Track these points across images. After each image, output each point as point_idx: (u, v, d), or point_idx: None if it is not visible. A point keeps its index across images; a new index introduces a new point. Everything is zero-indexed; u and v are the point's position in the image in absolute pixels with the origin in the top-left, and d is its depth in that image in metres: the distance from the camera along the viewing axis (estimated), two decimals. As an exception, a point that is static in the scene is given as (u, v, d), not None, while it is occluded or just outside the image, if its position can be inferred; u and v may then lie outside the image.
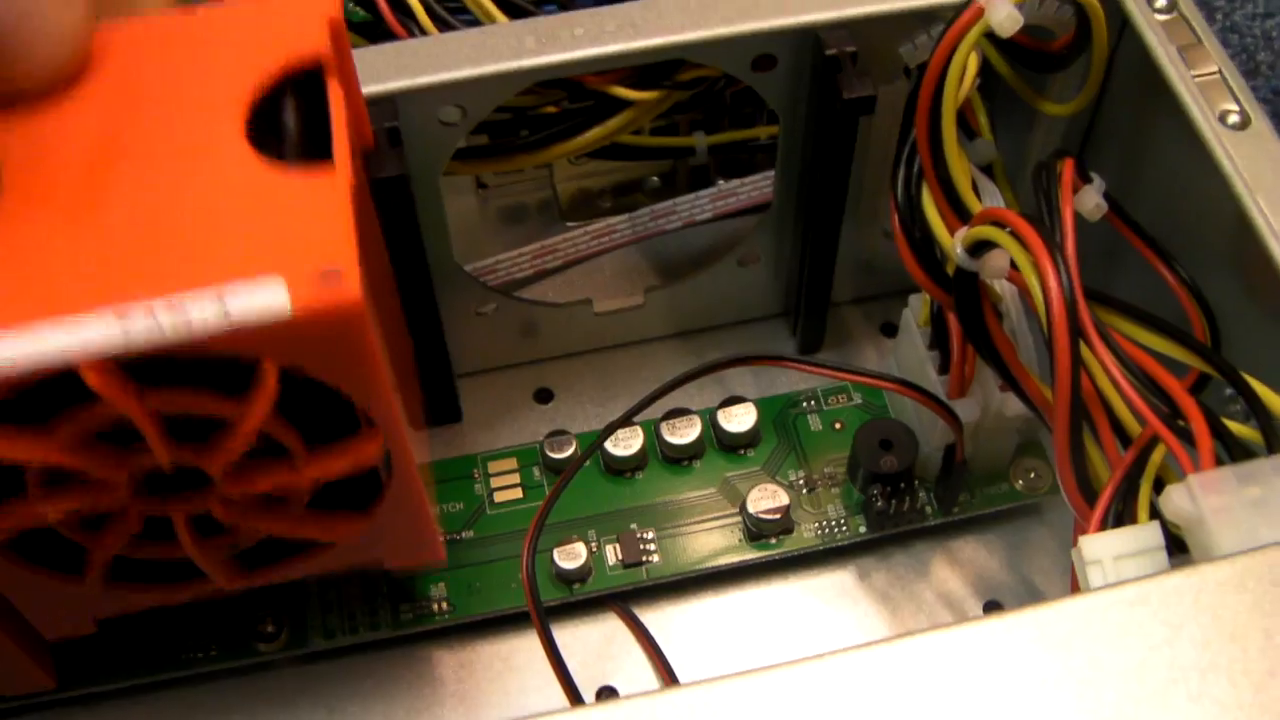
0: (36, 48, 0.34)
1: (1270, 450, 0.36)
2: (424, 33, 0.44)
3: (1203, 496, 0.33)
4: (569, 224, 0.55)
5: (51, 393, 0.31)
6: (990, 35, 0.40)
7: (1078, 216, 0.40)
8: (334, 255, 0.31)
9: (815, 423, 0.50)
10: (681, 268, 0.53)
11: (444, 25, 0.44)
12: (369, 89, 0.40)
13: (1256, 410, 0.37)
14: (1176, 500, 0.34)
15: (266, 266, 0.31)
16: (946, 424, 0.45)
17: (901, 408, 0.49)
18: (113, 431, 0.33)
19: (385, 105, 0.40)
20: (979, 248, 0.39)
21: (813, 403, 0.51)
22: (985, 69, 0.43)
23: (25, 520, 0.35)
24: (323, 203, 0.32)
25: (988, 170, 0.45)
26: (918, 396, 0.45)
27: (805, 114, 0.45)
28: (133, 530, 0.37)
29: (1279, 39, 0.67)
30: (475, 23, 0.45)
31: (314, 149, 0.34)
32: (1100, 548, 0.35)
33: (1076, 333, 0.36)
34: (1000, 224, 0.38)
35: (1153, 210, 0.43)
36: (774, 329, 0.54)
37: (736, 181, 0.53)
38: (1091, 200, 0.42)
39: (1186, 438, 0.35)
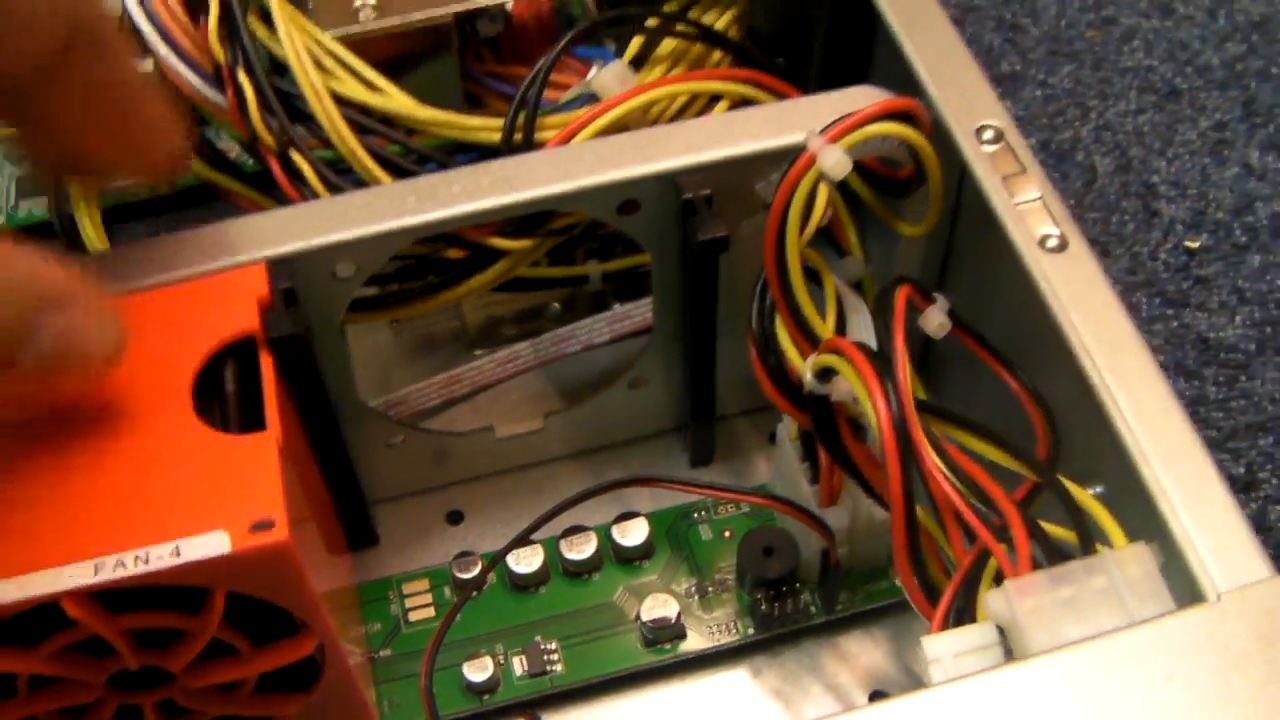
0: (72, 367, 0.38)
1: (1084, 551, 0.39)
2: (315, 194, 0.48)
3: (1017, 600, 0.37)
4: (477, 351, 0.59)
5: (39, 618, 0.37)
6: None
7: (910, 335, 0.44)
8: (267, 507, 0.37)
9: (706, 532, 0.53)
10: (582, 390, 0.56)
11: (333, 187, 0.47)
12: (266, 252, 0.44)
13: (1071, 513, 0.40)
14: (993, 604, 0.37)
15: (212, 518, 0.37)
16: (818, 533, 0.48)
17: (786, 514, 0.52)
18: (90, 642, 0.38)
19: (282, 267, 0.44)
20: (827, 373, 0.43)
21: (704, 513, 0.54)
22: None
23: (18, 715, 0.40)
24: (257, 461, 0.39)
25: (858, 287, 0.48)
26: (788, 510, 0.48)
27: (673, 249, 0.48)
28: (107, 717, 0.42)
29: (1149, 134, 0.71)
30: (362, 183, 0.48)
31: (249, 410, 0.41)
32: (940, 647, 0.38)
33: (907, 454, 0.39)
34: (841, 352, 0.42)
35: (1003, 324, 0.46)
36: (668, 443, 0.57)
37: (631, 305, 0.56)
38: (935, 320, 0.45)
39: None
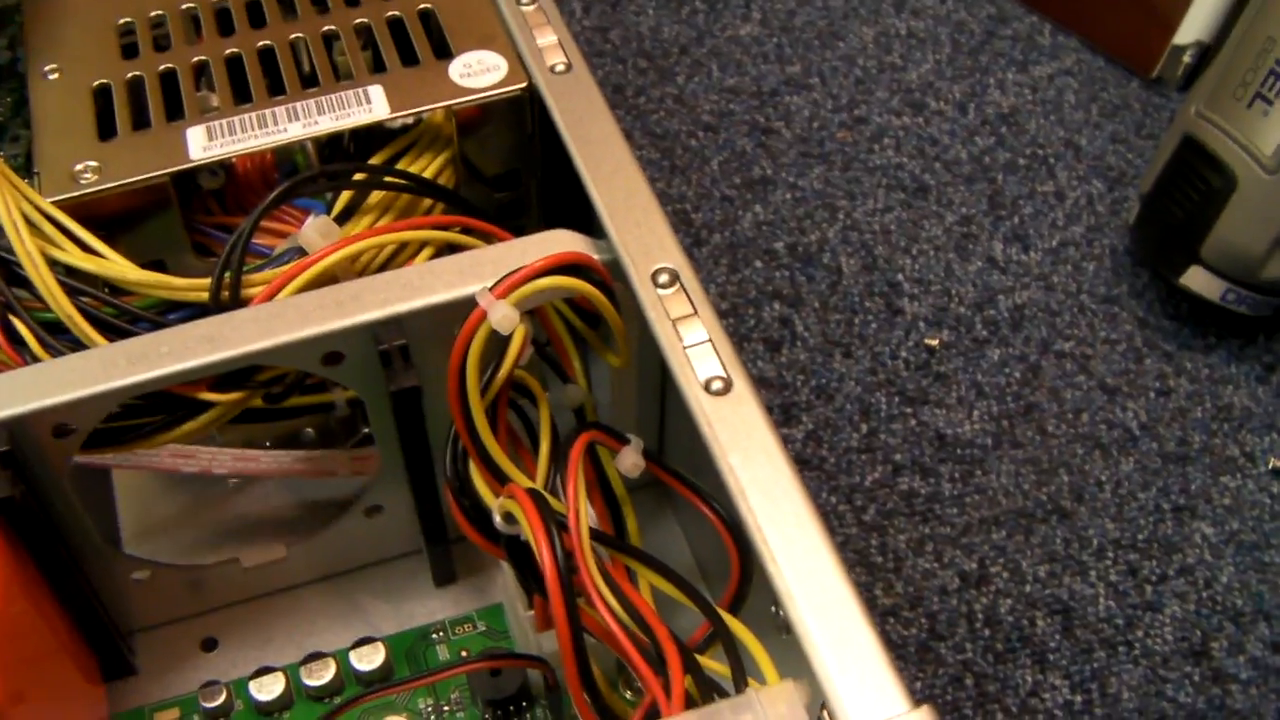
0: None
1: (737, 689, 0.41)
2: (36, 358, 0.50)
3: (662, 745, 0.39)
4: (232, 482, 0.61)
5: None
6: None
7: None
8: None
9: (444, 652, 0.56)
10: (324, 517, 0.59)
11: (53, 349, 0.49)
12: (-13, 418, 0.46)
13: (726, 649, 0.43)
14: (642, 745, 0.40)
15: None
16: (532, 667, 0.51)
17: (520, 633, 0.55)
18: None
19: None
20: (512, 516, 0.45)
21: (442, 633, 0.56)
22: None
23: None
24: None
25: (579, 411, 0.51)
26: (499, 664, 0.51)
27: (382, 394, 0.50)
28: None
29: (896, 232, 0.74)
30: (80, 344, 0.50)
31: None
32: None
33: (570, 598, 0.42)
34: (515, 498, 0.44)
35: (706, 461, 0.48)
36: (413, 565, 0.59)
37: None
38: (629, 460, 0.48)
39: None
